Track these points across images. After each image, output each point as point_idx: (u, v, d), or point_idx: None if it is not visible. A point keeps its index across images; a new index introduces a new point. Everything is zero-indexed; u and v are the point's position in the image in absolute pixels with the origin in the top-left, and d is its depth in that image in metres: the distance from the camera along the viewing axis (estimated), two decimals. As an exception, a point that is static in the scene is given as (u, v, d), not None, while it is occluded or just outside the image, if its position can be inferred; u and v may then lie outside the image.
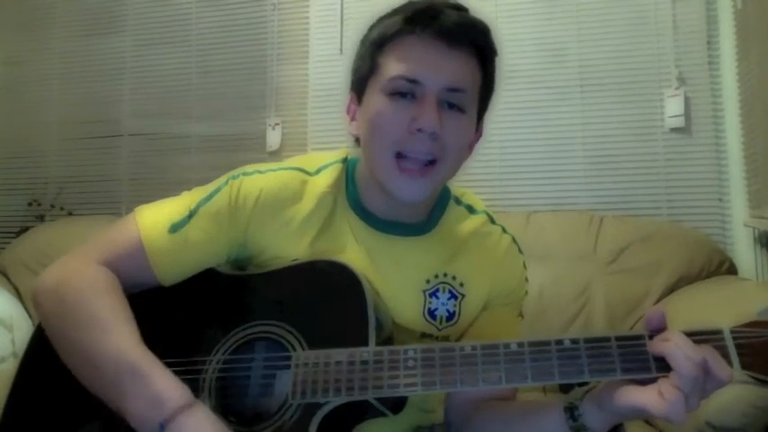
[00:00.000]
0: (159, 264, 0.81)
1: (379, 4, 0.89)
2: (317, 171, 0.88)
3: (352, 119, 0.86)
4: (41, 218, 2.47)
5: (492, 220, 0.94)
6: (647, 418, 0.68)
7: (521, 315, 0.95)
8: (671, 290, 1.69)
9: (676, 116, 2.01)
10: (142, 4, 2.55)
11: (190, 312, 0.84)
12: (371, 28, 0.85)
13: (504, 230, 0.94)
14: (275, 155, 2.31)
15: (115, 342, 0.73)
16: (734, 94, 1.98)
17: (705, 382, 0.62)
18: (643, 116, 2.07)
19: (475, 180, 2.14)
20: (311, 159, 0.90)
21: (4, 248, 2.29)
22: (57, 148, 2.56)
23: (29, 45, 2.64)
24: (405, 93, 0.78)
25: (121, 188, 2.49)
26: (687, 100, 2.02)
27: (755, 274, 1.88)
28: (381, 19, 0.84)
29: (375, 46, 0.81)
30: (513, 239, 0.94)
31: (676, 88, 2.03)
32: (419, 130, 0.76)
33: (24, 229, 2.34)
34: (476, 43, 0.80)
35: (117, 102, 2.52)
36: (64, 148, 2.56)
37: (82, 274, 0.79)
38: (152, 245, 0.81)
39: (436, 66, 0.77)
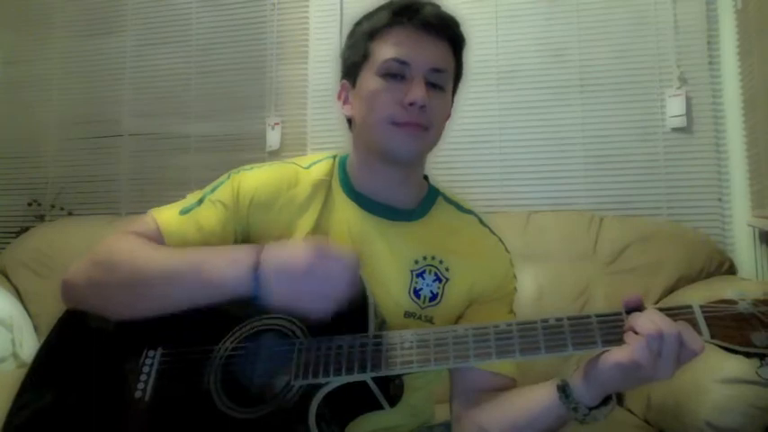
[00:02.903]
0: (174, 243, 0.88)
1: (377, 4, 0.94)
2: (309, 166, 0.98)
3: (345, 102, 0.97)
4: (41, 218, 2.47)
5: (480, 221, 1.01)
6: (627, 383, 0.72)
7: (512, 312, 0.98)
8: (671, 290, 1.69)
9: (678, 116, 2.01)
10: (142, 4, 2.55)
11: (199, 309, 0.87)
12: (359, 23, 0.95)
13: (491, 232, 1.00)
14: (275, 155, 2.31)
15: (182, 253, 0.84)
16: (735, 94, 1.98)
17: (680, 353, 0.68)
18: (643, 116, 2.06)
19: (475, 180, 2.14)
20: (302, 159, 1.01)
21: (4, 248, 2.29)
22: (57, 148, 2.56)
23: (29, 45, 2.64)
24: (395, 74, 0.88)
25: (121, 188, 2.49)
26: (688, 100, 2.02)
27: (755, 274, 1.88)
28: (368, 15, 0.95)
29: (366, 37, 0.92)
30: (500, 240, 1.00)
31: (678, 88, 2.03)
32: (411, 104, 0.87)
33: (24, 229, 2.34)
34: (450, 34, 0.92)
35: (117, 102, 2.52)
36: (64, 148, 2.56)
37: (115, 240, 0.88)
38: (168, 228, 0.89)
39: (422, 50, 0.89)
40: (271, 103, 2.37)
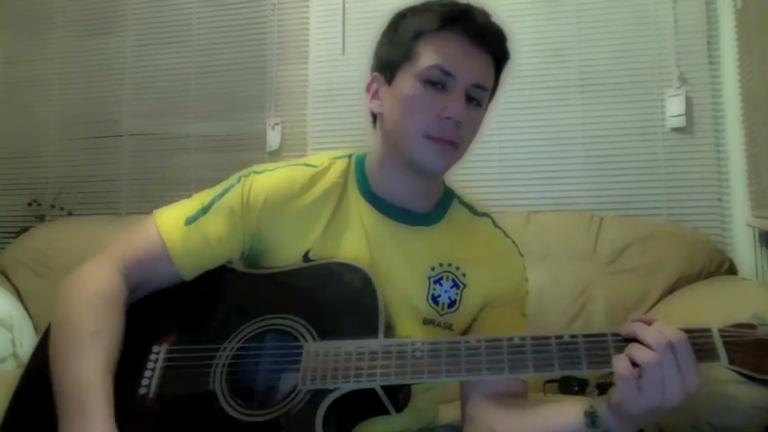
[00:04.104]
0: (179, 257, 0.86)
1: (379, 5, 0.92)
2: (323, 165, 0.95)
3: (373, 96, 0.93)
4: (41, 218, 2.47)
5: (494, 223, 1.00)
6: (641, 407, 0.68)
7: (524, 315, 0.97)
8: (671, 290, 1.69)
9: (677, 116, 2.01)
10: (142, 4, 2.55)
11: (206, 306, 0.88)
12: (402, 17, 0.91)
13: (505, 234, 0.99)
14: (275, 155, 2.31)
15: (81, 373, 0.76)
16: (734, 94, 1.98)
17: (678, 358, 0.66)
18: (643, 116, 2.06)
19: (475, 180, 2.14)
20: (317, 157, 0.97)
21: (4, 248, 2.29)
22: (57, 148, 2.56)
23: (29, 45, 2.64)
24: (436, 82, 0.85)
25: (121, 188, 2.49)
26: (688, 100, 2.02)
27: (755, 274, 1.88)
28: (414, 12, 0.90)
29: (412, 36, 0.88)
30: (514, 243, 0.99)
31: (677, 88, 2.02)
32: (448, 117, 0.84)
33: (24, 229, 2.34)
34: (496, 49, 0.90)
35: (117, 102, 2.52)
36: (64, 148, 2.56)
37: (92, 283, 0.83)
38: (170, 239, 0.86)
39: (468, 63, 0.86)
40: (271, 103, 2.37)
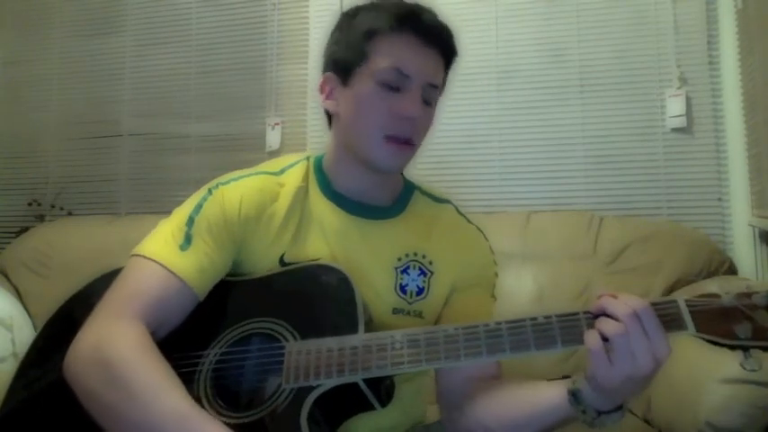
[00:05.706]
0: (194, 281, 0.83)
1: (374, 2, 0.93)
2: (281, 171, 0.96)
3: (327, 96, 0.95)
4: (41, 218, 2.47)
5: (457, 211, 1.02)
6: (616, 376, 0.69)
7: (493, 296, 0.99)
8: (671, 290, 1.69)
9: (678, 116, 2.01)
10: (142, 4, 2.55)
11: (188, 314, 0.86)
12: (352, 17, 0.91)
13: (468, 221, 1.01)
14: (275, 155, 2.31)
15: (173, 403, 0.72)
16: (735, 94, 1.98)
17: (644, 324, 0.68)
18: (643, 116, 2.07)
19: (475, 180, 2.14)
20: (272, 163, 0.98)
21: (4, 248, 2.29)
22: (57, 148, 2.56)
23: (29, 45, 2.64)
24: (392, 84, 0.87)
25: (121, 188, 2.49)
26: (688, 100, 2.02)
27: (755, 274, 1.88)
28: (363, 11, 0.91)
29: (364, 37, 0.88)
30: (478, 228, 1.01)
31: (678, 88, 2.03)
32: (405, 117, 0.86)
33: (24, 229, 2.34)
34: (446, 46, 0.91)
35: (117, 102, 2.52)
36: (64, 148, 2.56)
37: (120, 335, 0.77)
38: (180, 269, 0.83)
39: (422, 64, 0.88)
40: (271, 103, 2.37)
